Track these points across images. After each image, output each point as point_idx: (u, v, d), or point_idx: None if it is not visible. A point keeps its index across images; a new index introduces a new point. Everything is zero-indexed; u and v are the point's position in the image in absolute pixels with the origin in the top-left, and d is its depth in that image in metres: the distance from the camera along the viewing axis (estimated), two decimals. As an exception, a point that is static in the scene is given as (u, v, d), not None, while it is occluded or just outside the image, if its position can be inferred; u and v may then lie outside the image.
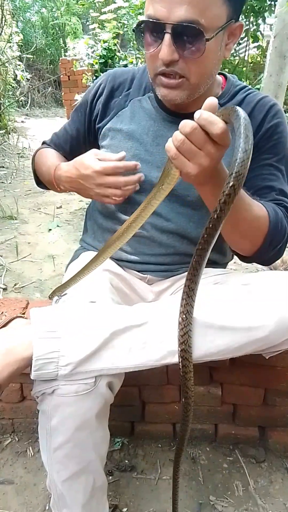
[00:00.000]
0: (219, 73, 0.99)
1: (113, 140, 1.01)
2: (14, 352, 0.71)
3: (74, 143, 1.15)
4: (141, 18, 0.89)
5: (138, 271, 1.06)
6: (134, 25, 0.83)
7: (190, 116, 0.93)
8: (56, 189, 1.10)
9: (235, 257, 1.08)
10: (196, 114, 0.62)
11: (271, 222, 0.83)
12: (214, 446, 1.27)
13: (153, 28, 0.80)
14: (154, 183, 0.95)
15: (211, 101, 0.62)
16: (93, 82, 1.12)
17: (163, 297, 1.06)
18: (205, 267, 1.06)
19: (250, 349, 0.78)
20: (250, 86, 1.02)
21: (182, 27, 0.76)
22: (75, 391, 0.72)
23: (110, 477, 1.16)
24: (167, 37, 0.77)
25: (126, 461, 1.22)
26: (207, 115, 0.61)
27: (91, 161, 0.93)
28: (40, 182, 1.22)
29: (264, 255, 0.90)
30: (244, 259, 0.94)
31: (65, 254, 2.47)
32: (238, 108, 0.58)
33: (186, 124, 0.63)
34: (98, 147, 1.06)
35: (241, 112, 0.57)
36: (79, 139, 1.13)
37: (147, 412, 1.25)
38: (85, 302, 0.85)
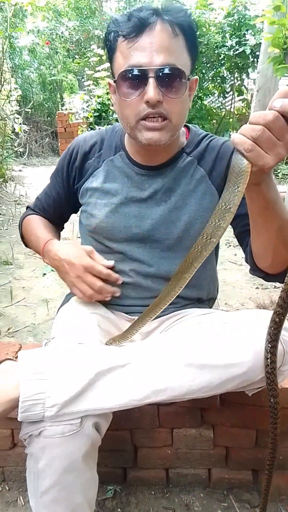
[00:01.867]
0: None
1: (91, 198, 1.08)
2: (1, 394, 0.73)
3: (56, 205, 1.21)
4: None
5: (126, 313, 1.09)
6: (116, 76, 0.91)
7: (159, 168, 1.03)
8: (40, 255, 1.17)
9: (218, 298, 1.11)
10: (278, 102, 0.60)
11: None
12: (208, 491, 1.24)
13: (135, 76, 0.87)
14: (132, 233, 1.03)
15: (286, 88, 0.61)
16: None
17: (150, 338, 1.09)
18: (189, 307, 1.10)
19: (231, 386, 0.80)
20: (211, 134, 1.11)
21: (165, 69, 0.86)
22: (61, 432, 0.74)
23: (102, 527, 1.13)
24: (151, 80, 0.86)
25: (119, 509, 1.19)
26: None
27: (83, 254, 1.02)
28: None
29: None
30: (275, 277, 0.92)
31: (59, 297, 2.50)
32: None
33: (266, 113, 0.60)
34: (79, 206, 1.15)
35: None
36: (61, 201, 1.20)
37: (139, 457, 1.23)
38: (73, 344, 0.88)
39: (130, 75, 0.88)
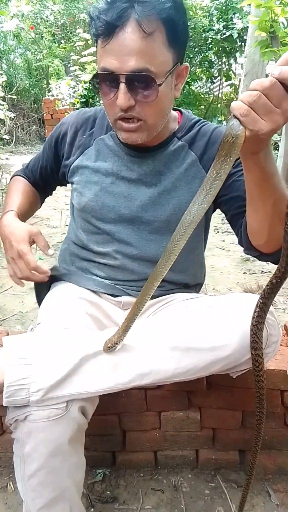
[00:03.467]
0: (175, 109, 1.07)
1: (81, 176, 1.08)
2: (-14, 380, 0.73)
3: (42, 173, 1.24)
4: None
5: (112, 295, 1.10)
6: (90, 78, 0.90)
7: (149, 150, 1.02)
8: None
9: (206, 283, 1.12)
10: (276, 70, 0.59)
11: None
12: (196, 472, 1.27)
13: (108, 79, 0.87)
14: (121, 213, 1.03)
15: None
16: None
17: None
18: (176, 292, 1.11)
19: (216, 368, 0.81)
20: (203, 119, 1.10)
21: (134, 76, 0.83)
22: (47, 416, 0.74)
23: (92, 509, 1.15)
24: (122, 86, 0.84)
25: (108, 492, 1.21)
26: None
27: (24, 238, 1.01)
28: None
29: None
30: (269, 256, 0.90)
31: (47, 286, 2.49)
32: None
33: (263, 80, 0.60)
34: (65, 180, 1.17)
35: None
36: (47, 171, 1.22)
37: (128, 440, 1.25)
38: (58, 329, 0.88)
39: (103, 78, 0.87)
